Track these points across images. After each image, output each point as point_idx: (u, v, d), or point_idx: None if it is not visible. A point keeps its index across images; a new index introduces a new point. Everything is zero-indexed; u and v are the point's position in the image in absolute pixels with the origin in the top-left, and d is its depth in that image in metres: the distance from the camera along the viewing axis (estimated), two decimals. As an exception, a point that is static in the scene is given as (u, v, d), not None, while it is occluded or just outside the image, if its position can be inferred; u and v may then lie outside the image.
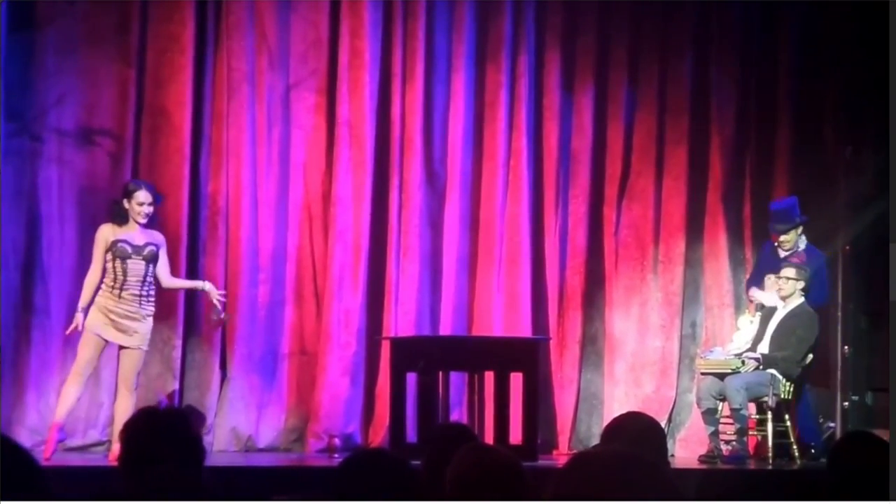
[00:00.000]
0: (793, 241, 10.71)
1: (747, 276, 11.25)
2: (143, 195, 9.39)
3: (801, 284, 10.46)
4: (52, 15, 10.55)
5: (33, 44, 10.52)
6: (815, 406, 11.02)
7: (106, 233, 9.38)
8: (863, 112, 11.39)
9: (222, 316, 9.91)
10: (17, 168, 10.40)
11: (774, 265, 10.68)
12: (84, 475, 8.15)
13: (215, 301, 9.74)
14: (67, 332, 9.58)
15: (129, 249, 9.34)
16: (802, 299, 10.46)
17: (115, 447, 8.93)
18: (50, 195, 10.49)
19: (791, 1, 11.66)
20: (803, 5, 11.67)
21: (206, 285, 9.85)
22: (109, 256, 9.35)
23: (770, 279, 10.66)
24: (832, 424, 11.07)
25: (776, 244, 10.81)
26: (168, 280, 9.65)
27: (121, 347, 9.40)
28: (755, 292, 10.78)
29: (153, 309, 9.46)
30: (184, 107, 10.65)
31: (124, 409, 9.21)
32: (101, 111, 10.60)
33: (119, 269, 9.33)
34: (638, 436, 4.17)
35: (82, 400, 10.30)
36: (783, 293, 10.48)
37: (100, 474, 8.35)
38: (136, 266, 9.35)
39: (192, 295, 10.46)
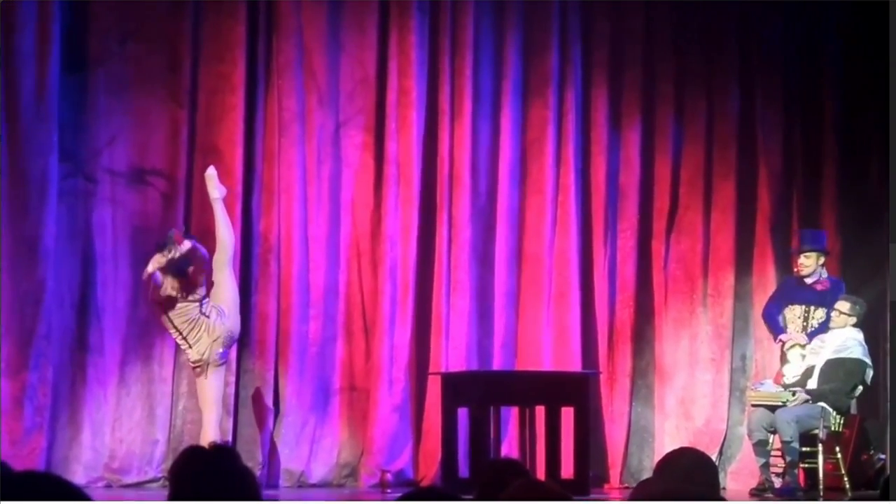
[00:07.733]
0: (812, 266, 10.72)
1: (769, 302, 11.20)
2: None
3: (853, 320, 10.44)
4: (104, 56, 10.66)
5: (86, 85, 10.63)
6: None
7: None
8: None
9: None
10: (72, 208, 10.51)
11: (798, 294, 10.73)
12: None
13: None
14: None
15: None
16: (853, 332, 10.44)
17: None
18: (104, 235, 10.58)
19: (833, 33, 11.70)
20: (845, 39, 11.69)
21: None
22: None
23: (793, 310, 10.71)
24: (882, 457, 11.01)
25: (797, 272, 10.83)
26: None
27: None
28: (784, 336, 10.76)
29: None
30: (235, 146, 10.74)
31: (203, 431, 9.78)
32: (153, 151, 10.70)
33: None
34: (690, 471, 4.21)
35: (136, 437, 10.45)
36: (833, 325, 10.48)
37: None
38: None
39: (244, 336, 10.53)
